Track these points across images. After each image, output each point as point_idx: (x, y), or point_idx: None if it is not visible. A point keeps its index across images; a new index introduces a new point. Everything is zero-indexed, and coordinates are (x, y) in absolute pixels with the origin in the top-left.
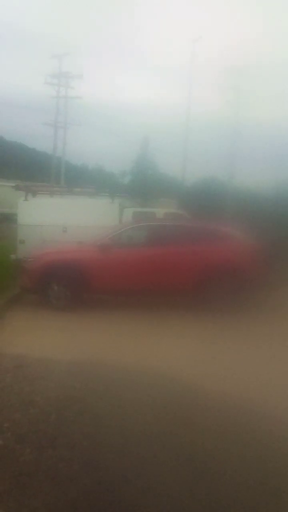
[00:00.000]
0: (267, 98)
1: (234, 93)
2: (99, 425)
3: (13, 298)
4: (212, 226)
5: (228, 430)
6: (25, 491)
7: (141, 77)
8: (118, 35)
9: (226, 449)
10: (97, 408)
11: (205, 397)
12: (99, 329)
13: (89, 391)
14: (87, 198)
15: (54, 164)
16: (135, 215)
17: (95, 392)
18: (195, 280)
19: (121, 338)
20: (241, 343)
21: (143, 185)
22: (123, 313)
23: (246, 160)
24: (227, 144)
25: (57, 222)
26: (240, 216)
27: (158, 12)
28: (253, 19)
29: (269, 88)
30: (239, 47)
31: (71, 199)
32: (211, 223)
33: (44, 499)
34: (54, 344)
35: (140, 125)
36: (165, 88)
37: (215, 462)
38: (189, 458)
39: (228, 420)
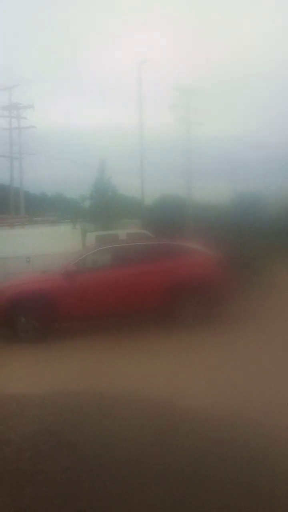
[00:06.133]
0: (216, 114)
1: (184, 111)
2: (76, 457)
3: None
4: (175, 243)
5: (209, 450)
6: None
7: (93, 101)
8: (66, 62)
9: (208, 470)
10: (74, 439)
11: (182, 417)
12: (70, 357)
13: (64, 423)
14: (49, 226)
15: (13, 195)
16: (98, 239)
17: (70, 422)
18: (163, 297)
19: (94, 364)
20: (214, 357)
21: (103, 208)
22: (94, 339)
23: (203, 175)
24: (183, 161)
25: (20, 253)
26: (201, 230)
27: (103, 37)
28: (197, 38)
29: (218, 105)
30: (186, 66)
31: (33, 229)
32: (174, 240)
33: None
34: (26, 378)
35: (96, 149)
36: (117, 110)
37: (198, 485)
38: (172, 483)
39: (208, 439)
